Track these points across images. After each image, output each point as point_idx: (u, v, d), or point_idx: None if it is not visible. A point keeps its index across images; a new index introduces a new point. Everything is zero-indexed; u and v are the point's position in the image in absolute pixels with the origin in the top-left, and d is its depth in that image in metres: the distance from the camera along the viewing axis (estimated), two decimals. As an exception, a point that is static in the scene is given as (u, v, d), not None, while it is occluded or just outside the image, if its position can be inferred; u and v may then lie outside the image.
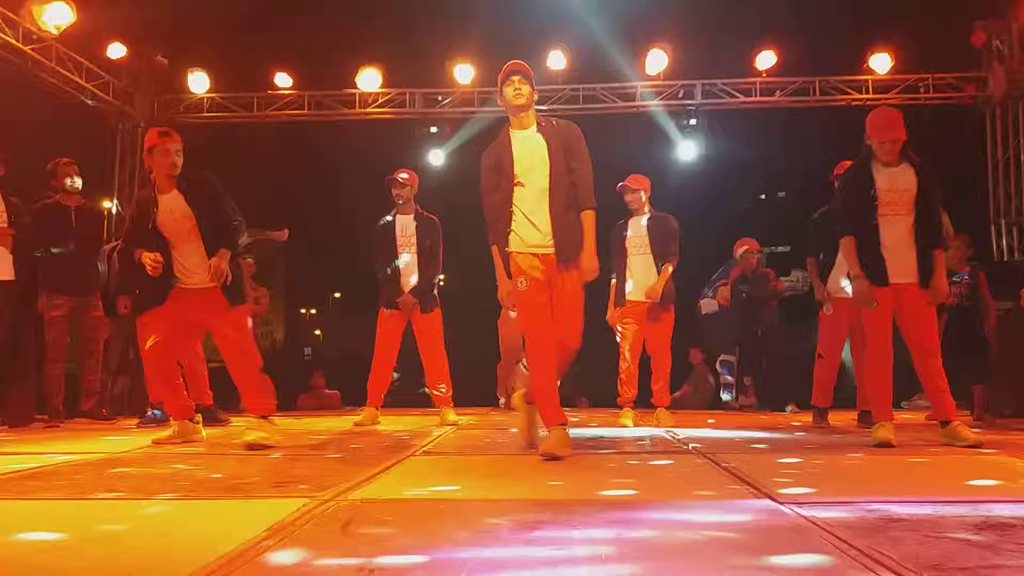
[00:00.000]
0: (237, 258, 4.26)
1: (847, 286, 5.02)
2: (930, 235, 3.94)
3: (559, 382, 3.73)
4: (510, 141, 3.66)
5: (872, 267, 3.92)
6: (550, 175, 3.55)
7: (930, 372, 3.92)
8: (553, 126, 3.67)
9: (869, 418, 4.89)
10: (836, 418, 5.36)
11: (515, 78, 3.61)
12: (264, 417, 4.10)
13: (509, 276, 3.64)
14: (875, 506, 2.16)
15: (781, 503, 2.23)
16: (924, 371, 3.95)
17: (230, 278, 4.08)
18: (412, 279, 5.52)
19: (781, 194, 12.11)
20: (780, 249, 8.75)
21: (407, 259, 5.55)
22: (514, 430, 4.17)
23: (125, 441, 4.34)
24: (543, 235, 3.56)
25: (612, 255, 5.52)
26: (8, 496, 2.44)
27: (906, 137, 3.98)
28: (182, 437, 4.20)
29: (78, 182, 5.90)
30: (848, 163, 5.17)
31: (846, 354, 5.40)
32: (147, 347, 4.12)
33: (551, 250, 3.57)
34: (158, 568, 1.61)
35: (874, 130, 4.00)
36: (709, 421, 5.78)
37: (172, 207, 4.07)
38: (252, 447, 3.77)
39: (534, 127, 3.66)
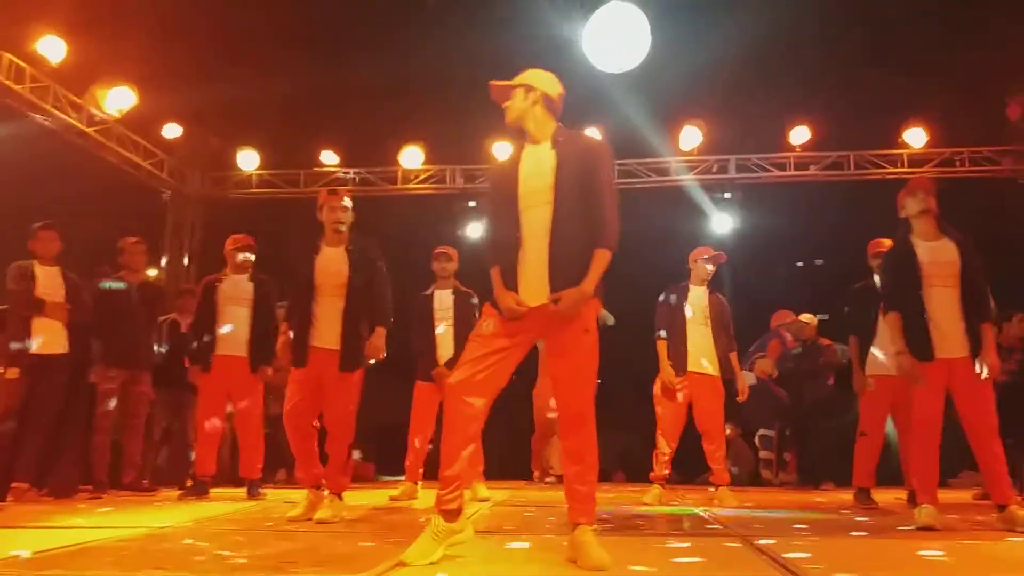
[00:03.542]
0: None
1: (882, 358, 4.99)
2: (978, 308, 3.89)
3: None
4: (520, 156, 3.01)
5: (917, 341, 3.86)
6: (554, 203, 2.81)
7: (988, 454, 3.82)
8: (573, 141, 2.95)
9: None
10: (879, 497, 5.24)
11: (504, 103, 3.02)
12: (338, 495, 4.16)
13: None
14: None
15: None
16: (981, 453, 3.85)
17: (383, 357, 4.29)
18: (448, 352, 5.61)
19: (819, 262, 12.02)
20: (819, 317, 8.65)
21: (443, 332, 5.65)
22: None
23: (168, 514, 4.41)
24: (537, 284, 2.81)
25: (661, 322, 5.44)
26: (61, 572, 2.50)
27: (936, 208, 4.00)
28: (312, 510, 4.12)
29: (144, 263, 6.25)
30: (882, 240, 5.23)
31: (890, 430, 5.32)
32: (287, 408, 4.19)
33: (543, 300, 2.80)
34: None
35: (903, 200, 4.05)
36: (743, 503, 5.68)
37: (331, 260, 4.28)
38: (321, 522, 3.89)
39: (549, 142, 2.95)
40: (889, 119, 9.23)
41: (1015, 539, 3.48)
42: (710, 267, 5.50)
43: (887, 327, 4.11)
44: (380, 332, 4.32)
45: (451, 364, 5.56)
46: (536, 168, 2.90)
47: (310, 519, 4.07)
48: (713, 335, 5.42)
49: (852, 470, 5.23)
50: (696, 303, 5.47)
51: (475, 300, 5.73)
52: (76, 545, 3.13)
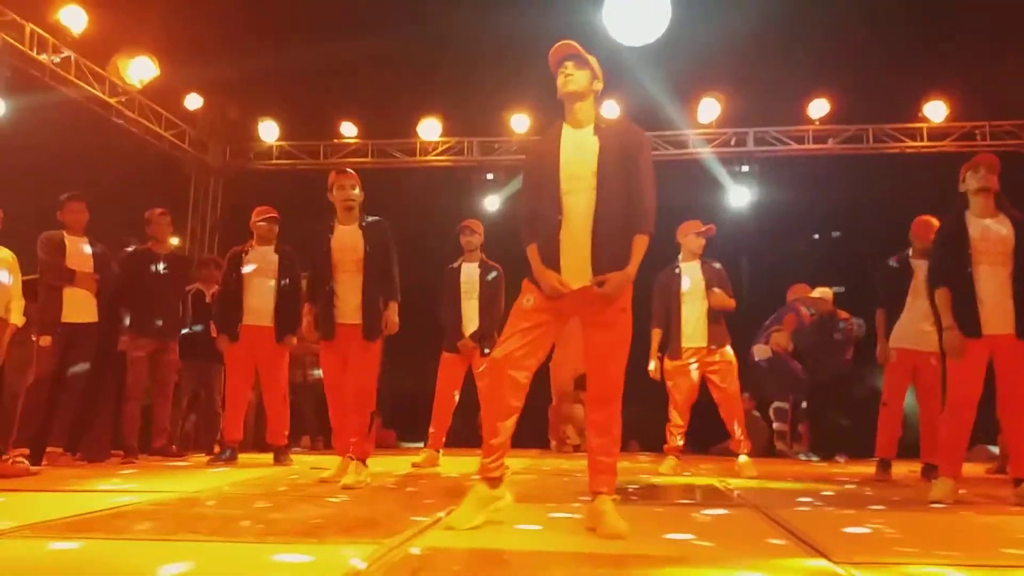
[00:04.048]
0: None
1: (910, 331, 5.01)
2: None
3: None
4: (559, 137, 3.01)
5: (965, 317, 3.89)
6: (597, 188, 2.87)
7: (1017, 425, 3.88)
8: (614, 128, 3.00)
9: (934, 472, 4.86)
10: (895, 469, 5.31)
11: (568, 64, 2.98)
12: (362, 461, 4.32)
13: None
14: (930, 569, 2.21)
15: (836, 563, 2.29)
16: (1012, 423, 3.92)
17: (397, 330, 4.55)
18: (473, 324, 5.71)
19: (836, 234, 11.95)
20: (836, 289, 8.64)
21: (470, 304, 5.76)
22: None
23: (199, 479, 4.55)
24: (583, 269, 2.89)
25: (660, 306, 5.57)
26: (99, 535, 2.61)
27: (996, 187, 3.99)
28: (341, 475, 4.37)
29: (170, 234, 6.39)
30: (924, 217, 5.22)
31: (909, 403, 5.37)
32: (328, 384, 4.63)
33: (585, 282, 2.88)
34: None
35: (964, 173, 4.06)
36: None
37: (346, 237, 4.52)
38: (347, 488, 4.07)
39: (592, 127, 2.98)
40: (909, 92, 9.13)
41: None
42: (701, 242, 5.55)
43: (936, 301, 4.07)
44: (393, 307, 4.55)
45: (476, 336, 5.67)
46: (579, 152, 2.93)
47: (339, 482, 4.27)
48: (707, 306, 5.46)
49: (865, 443, 5.30)
50: (691, 276, 5.52)
51: (495, 274, 5.81)
52: (112, 509, 3.25)
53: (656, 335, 5.60)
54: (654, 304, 5.61)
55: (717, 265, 5.59)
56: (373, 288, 4.47)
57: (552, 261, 2.92)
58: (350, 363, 4.46)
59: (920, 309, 5.06)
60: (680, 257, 5.60)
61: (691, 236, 5.54)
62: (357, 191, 4.56)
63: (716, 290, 5.42)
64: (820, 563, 2.33)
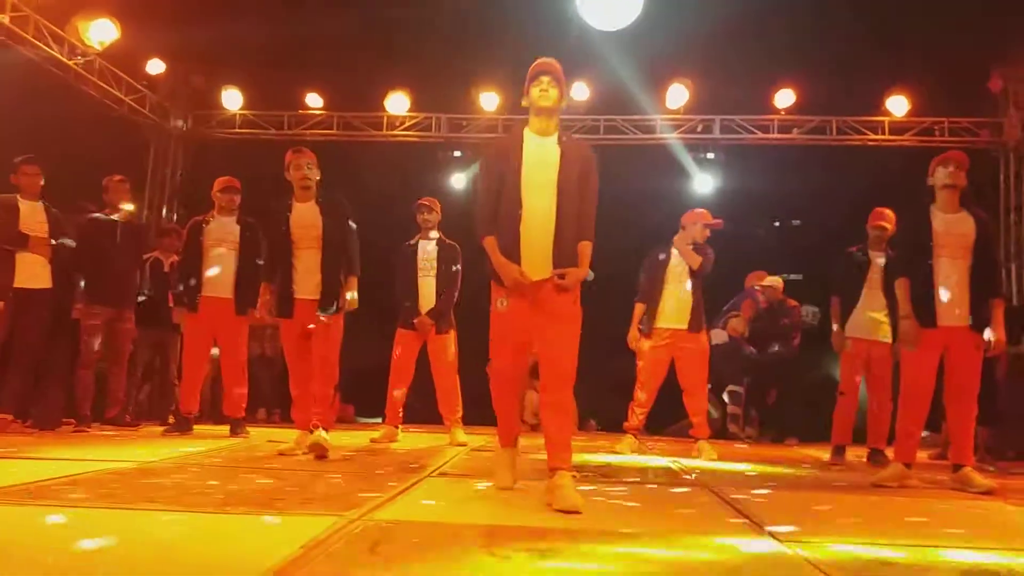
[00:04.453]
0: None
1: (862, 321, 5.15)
2: (988, 283, 4.02)
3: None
4: (522, 140, 3.30)
5: (922, 308, 3.99)
6: (558, 195, 3.19)
7: (961, 415, 4.02)
8: (574, 143, 3.35)
9: (879, 457, 5.02)
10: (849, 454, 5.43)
11: (544, 79, 3.27)
12: (325, 429, 4.40)
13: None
14: (870, 549, 2.31)
15: (781, 541, 2.38)
16: (955, 413, 4.05)
17: (356, 306, 4.65)
18: (429, 302, 5.71)
19: (796, 222, 12.15)
20: (793, 277, 8.80)
21: (426, 282, 5.75)
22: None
23: (154, 449, 4.52)
24: (541, 264, 3.19)
25: (646, 281, 5.62)
26: (52, 504, 2.59)
27: (963, 183, 4.09)
28: (300, 448, 4.49)
29: (128, 202, 6.26)
30: (882, 209, 5.34)
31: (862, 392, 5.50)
32: (290, 361, 4.70)
33: (545, 275, 3.20)
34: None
35: (934, 167, 4.15)
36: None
37: (304, 214, 4.59)
38: (313, 449, 4.25)
39: (555, 136, 3.31)
40: (873, 86, 9.30)
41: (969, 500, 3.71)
42: (705, 233, 5.53)
43: (897, 291, 4.16)
44: (352, 282, 4.65)
45: (433, 314, 5.67)
46: (542, 158, 3.26)
47: (297, 455, 4.36)
48: (692, 287, 5.51)
49: (816, 427, 5.44)
50: (679, 261, 5.52)
51: (459, 251, 5.80)
52: (67, 476, 3.23)
53: (639, 309, 5.66)
54: (641, 279, 5.69)
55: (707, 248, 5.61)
56: (333, 264, 4.56)
57: (511, 254, 3.21)
58: (313, 338, 4.51)
59: (875, 300, 5.21)
60: (675, 239, 5.61)
61: (698, 226, 5.54)
62: (314, 171, 4.62)
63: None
64: (766, 541, 2.41)
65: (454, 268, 5.74)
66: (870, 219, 5.40)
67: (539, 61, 3.30)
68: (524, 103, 3.37)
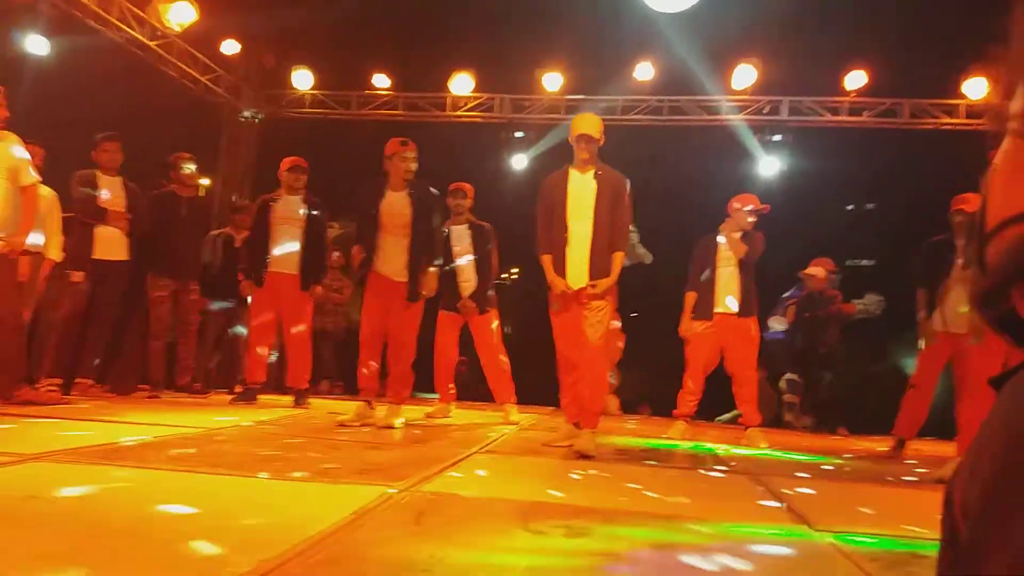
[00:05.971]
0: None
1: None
2: None
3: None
4: (567, 178, 4.27)
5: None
6: (594, 221, 4.14)
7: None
8: (608, 174, 4.22)
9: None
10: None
11: (583, 144, 4.22)
12: (398, 404, 4.77)
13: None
14: (903, 542, 2.32)
15: (813, 530, 2.41)
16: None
17: (434, 292, 5.00)
18: (470, 284, 5.82)
19: (870, 206, 11.83)
20: (864, 263, 8.58)
21: (464, 265, 5.84)
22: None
23: (220, 417, 4.76)
24: (580, 273, 4.16)
25: (696, 268, 5.58)
26: (128, 464, 2.79)
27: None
28: (360, 419, 4.77)
29: (194, 171, 6.50)
30: (965, 195, 5.04)
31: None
32: (364, 333, 4.99)
33: (583, 284, 4.17)
34: (273, 538, 1.92)
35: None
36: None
37: (396, 203, 4.89)
38: (386, 427, 4.63)
39: (592, 172, 4.24)
40: (948, 68, 8.96)
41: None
42: (751, 219, 5.44)
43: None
44: (432, 272, 4.94)
45: (475, 297, 5.77)
46: (582, 191, 4.23)
47: (355, 426, 4.61)
48: (740, 272, 5.46)
49: (869, 419, 5.34)
50: (730, 243, 5.48)
51: (491, 231, 5.89)
52: (140, 439, 3.45)
53: (690, 298, 5.58)
54: (691, 268, 5.62)
55: (759, 235, 5.54)
56: (418, 253, 4.85)
57: (560, 267, 4.23)
58: (394, 317, 4.86)
59: (963, 292, 4.89)
60: (722, 227, 5.55)
61: (743, 211, 5.46)
62: (415, 164, 4.88)
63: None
64: (800, 530, 2.44)
65: (488, 247, 5.82)
66: (951, 205, 5.14)
67: (579, 125, 4.25)
68: (572, 143, 4.32)
